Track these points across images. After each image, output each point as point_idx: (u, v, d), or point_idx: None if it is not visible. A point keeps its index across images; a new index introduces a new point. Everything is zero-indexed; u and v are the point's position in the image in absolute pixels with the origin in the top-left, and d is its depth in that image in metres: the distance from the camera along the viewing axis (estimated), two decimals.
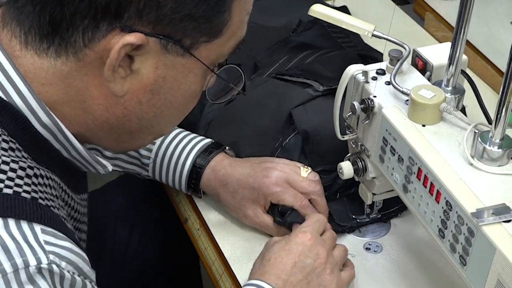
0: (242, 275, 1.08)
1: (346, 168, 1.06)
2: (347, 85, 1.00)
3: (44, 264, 0.71)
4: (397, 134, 0.92)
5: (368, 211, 1.13)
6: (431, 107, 0.90)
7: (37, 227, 0.73)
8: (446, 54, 0.95)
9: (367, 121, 0.99)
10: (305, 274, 0.96)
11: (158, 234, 1.37)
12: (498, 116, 0.83)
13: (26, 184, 0.75)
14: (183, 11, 0.76)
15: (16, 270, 0.70)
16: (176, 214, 1.24)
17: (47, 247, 0.73)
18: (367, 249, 1.11)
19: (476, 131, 0.85)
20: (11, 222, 0.72)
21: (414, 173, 0.89)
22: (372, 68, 1.00)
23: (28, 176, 0.76)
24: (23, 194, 0.74)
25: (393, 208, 1.15)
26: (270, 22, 1.44)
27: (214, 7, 0.78)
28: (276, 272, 0.95)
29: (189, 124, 1.21)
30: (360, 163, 1.05)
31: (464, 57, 0.96)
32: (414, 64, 1.03)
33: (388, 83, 0.98)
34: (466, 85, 0.99)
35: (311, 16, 1.05)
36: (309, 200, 1.10)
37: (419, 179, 0.89)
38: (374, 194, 1.08)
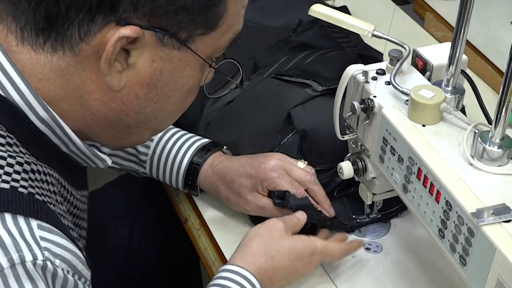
0: None
1: (346, 168, 1.06)
2: (347, 85, 1.00)
3: (40, 261, 0.72)
4: (397, 134, 0.92)
5: (368, 211, 1.13)
6: (431, 107, 0.90)
7: (33, 222, 0.73)
8: (446, 54, 0.95)
9: (367, 121, 0.99)
10: (290, 267, 1.00)
11: (158, 234, 1.37)
12: (498, 116, 0.83)
13: (23, 179, 0.75)
14: (177, 3, 0.76)
15: (13, 265, 0.70)
16: (176, 214, 1.24)
17: (42, 243, 0.73)
18: (367, 249, 1.11)
19: (476, 131, 0.85)
20: (8, 217, 0.72)
21: (414, 173, 0.89)
22: (372, 68, 1.00)
23: (25, 171, 0.76)
24: (20, 189, 0.74)
25: (393, 208, 1.15)
26: (270, 22, 1.44)
27: None
28: (268, 265, 1.00)
29: (189, 125, 1.22)
30: (360, 163, 1.05)
31: (464, 57, 0.96)
32: (414, 64, 1.03)
33: (388, 83, 0.98)
34: (466, 85, 0.99)
35: (311, 16, 1.05)
36: (307, 190, 1.10)
37: (419, 179, 0.88)
38: (374, 194, 1.08)
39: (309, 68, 1.26)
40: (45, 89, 0.79)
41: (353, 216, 1.14)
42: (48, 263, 0.72)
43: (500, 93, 0.82)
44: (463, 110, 1.02)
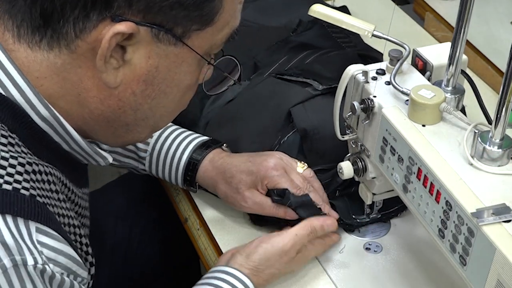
0: None
1: (346, 168, 1.06)
2: (347, 85, 1.00)
3: (40, 265, 0.72)
4: (397, 134, 0.92)
5: (368, 211, 1.13)
6: (431, 107, 0.90)
7: (33, 226, 0.74)
8: (446, 54, 0.95)
9: (367, 121, 0.99)
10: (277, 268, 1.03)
11: (158, 234, 1.37)
12: (498, 116, 0.83)
13: (25, 180, 0.76)
14: None
15: (15, 265, 0.70)
16: (176, 214, 1.24)
17: (39, 247, 0.73)
18: (367, 249, 1.11)
19: (476, 131, 0.85)
20: (9, 219, 0.72)
21: (414, 173, 0.89)
22: (372, 68, 1.00)
23: (27, 172, 0.76)
24: (22, 191, 0.74)
25: (393, 208, 1.15)
26: (270, 22, 1.44)
27: None
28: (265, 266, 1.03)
29: (189, 124, 1.22)
30: (360, 163, 1.05)
31: (464, 57, 0.96)
32: (414, 64, 1.03)
33: (388, 83, 0.98)
34: (466, 85, 0.99)
35: (311, 16, 1.05)
36: None
37: (419, 179, 0.88)
38: (374, 194, 1.08)
39: (309, 67, 1.26)
40: (43, 87, 0.79)
41: (353, 216, 1.14)
42: (47, 267, 0.73)
43: (500, 93, 0.82)
44: (463, 110, 1.02)
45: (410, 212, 0.95)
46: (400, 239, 1.13)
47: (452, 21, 1.49)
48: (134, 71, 0.80)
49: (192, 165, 1.14)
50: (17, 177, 0.75)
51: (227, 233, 1.15)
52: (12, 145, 0.77)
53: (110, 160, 0.91)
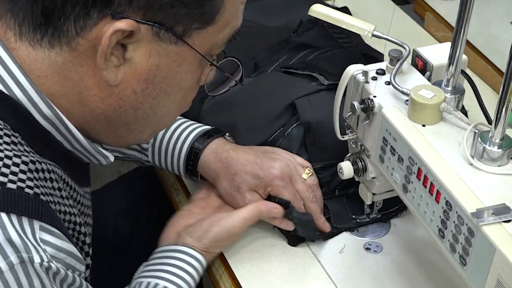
0: (242, 275, 1.08)
1: (346, 168, 1.06)
2: (347, 85, 1.00)
3: (45, 262, 0.73)
4: (397, 134, 0.92)
5: (368, 211, 1.13)
6: (431, 107, 0.90)
7: (36, 225, 0.74)
8: (446, 54, 0.95)
9: (367, 121, 0.99)
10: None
11: (158, 233, 1.37)
12: (498, 116, 0.83)
13: (29, 178, 0.76)
14: None
15: (22, 262, 0.71)
16: None
17: (43, 245, 0.74)
18: (367, 249, 1.11)
19: (476, 131, 0.85)
20: (14, 218, 0.72)
21: (414, 173, 0.89)
22: (372, 68, 1.00)
23: (30, 170, 0.77)
24: (27, 190, 0.75)
25: (393, 208, 1.15)
26: (270, 22, 1.44)
27: None
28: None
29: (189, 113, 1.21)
30: (360, 163, 1.05)
31: (464, 57, 0.96)
32: (414, 64, 1.03)
33: (388, 83, 0.98)
34: (466, 85, 0.99)
35: (311, 16, 1.05)
36: (304, 205, 1.11)
37: (419, 179, 0.88)
38: (374, 194, 1.08)
39: (314, 63, 1.26)
40: (44, 86, 0.80)
41: (353, 216, 1.14)
42: (52, 264, 0.74)
43: (500, 93, 0.82)
44: (463, 110, 1.02)
45: (410, 212, 0.95)
46: (400, 239, 1.13)
47: (452, 21, 1.49)
48: (135, 69, 0.80)
49: (194, 154, 1.13)
50: (21, 175, 0.75)
51: None
52: (15, 144, 0.77)
53: (112, 159, 0.91)
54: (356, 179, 1.08)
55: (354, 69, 1.00)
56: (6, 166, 0.74)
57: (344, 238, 1.13)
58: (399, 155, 0.92)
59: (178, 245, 1.04)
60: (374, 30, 1.00)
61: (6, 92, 0.78)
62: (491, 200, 0.81)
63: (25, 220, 0.73)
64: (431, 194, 0.87)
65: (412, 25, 1.61)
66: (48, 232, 0.75)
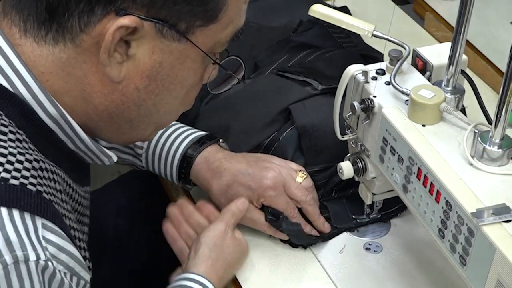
0: (242, 275, 1.08)
1: (346, 168, 1.06)
2: (347, 85, 1.00)
3: (42, 261, 0.72)
4: (397, 134, 0.92)
5: (368, 211, 1.13)
6: (431, 107, 0.90)
7: (39, 221, 0.74)
8: (446, 54, 0.95)
9: (367, 121, 0.99)
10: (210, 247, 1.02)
11: (158, 234, 1.37)
12: (498, 116, 0.83)
13: (32, 176, 0.76)
14: None
15: (16, 262, 0.70)
16: None
17: (44, 244, 0.73)
18: (367, 249, 1.11)
19: (476, 131, 0.86)
20: (16, 213, 0.72)
21: (414, 173, 0.89)
22: (372, 68, 1.00)
23: (34, 168, 0.77)
24: (29, 186, 0.75)
25: (393, 208, 1.15)
26: (271, 22, 1.44)
27: None
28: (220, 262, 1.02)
29: (189, 124, 1.21)
30: (360, 163, 1.05)
31: (464, 57, 0.96)
32: (414, 64, 1.03)
33: (388, 83, 0.98)
34: (466, 85, 0.99)
35: (311, 16, 1.05)
36: (301, 208, 1.11)
37: (419, 179, 0.89)
38: (374, 194, 1.08)
39: (312, 65, 1.26)
40: (48, 83, 0.80)
41: (353, 216, 1.14)
42: (49, 263, 0.73)
43: (500, 93, 0.82)
44: (463, 111, 1.02)
45: (410, 212, 0.95)
46: (400, 239, 1.13)
47: (452, 21, 1.49)
48: (138, 66, 0.80)
49: (186, 162, 1.13)
50: (24, 172, 0.75)
51: None
52: (20, 141, 0.77)
53: (115, 159, 0.91)
54: (356, 179, 1.08)
55: (354, 69, 1.00)
56: (9, 162, 0.74)
57: (344, 238, 1.13)
58: (399, 155, 0.92)
59: (181, 276, 1.02)
60: (374, 30, 1.00)
61: (11, 90, 0.78)
62: (491, 200, 0.81)
63: (27, 216, 0.73)
64: (431, 194, 0.87)
65: (412, 25, 1.61)
66: (50, 230, 0.75)
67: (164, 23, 0.78)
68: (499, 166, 0.85)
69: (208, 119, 1.21)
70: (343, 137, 1.05)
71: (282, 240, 1.13)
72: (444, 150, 0.88)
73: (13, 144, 0.76)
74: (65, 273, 0.76)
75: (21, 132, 0.78)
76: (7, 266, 0.70)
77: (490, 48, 1.44)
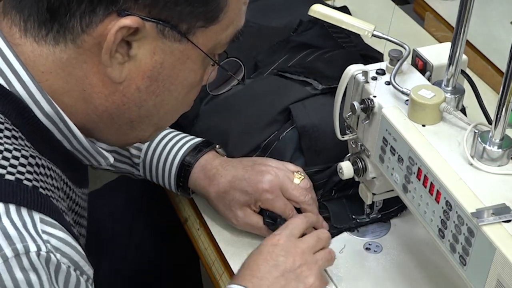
0: None
1: (346, 168, 1.06)
2: (347, 85, 1.00)
3: (43, 252, 0.72)
4: (397, 134, 0.92)
5: (368, 211, 1.13)
6: (431, 107, 0.90)
7: (36, 216, 0.74)
8: (446, 54, 0.95)
9: (367, 121, 0.99)
10: (280, 272, 0.97)
11: (158, 234, 1.37)
12: (498, 116, 0.83)
13: (28, 172, 0.76)
14: None
15: (17, 255, 0.70)
16: (176, 214, 1.24)
17: (44, 237, 0.73)
18: (367, 249, 1.11)
19: (476, 131, 0.85)
20: (12, 208, 0.72)
21: (414, 173, 0.89)
22: (372, 68, 1.00)
23: (30, 164, 0.77)
24: (25, 182, 0.75)
25: (393, 208, 1.15)
26: (271, 22, 1.44)
27: None
28: (250, 273, 0.97)
29: (189, 124, 1.21)
30: (360, 163, 1.05)
31: (464, 57, 0.96)
32: (414, 64, 1.03)
33: (388, 83, 0.98)
34: (466, 85, 0.99)
35: (311, 16, 1.05)
36: (300, 209, 1.11)
37: (419, 179, 0.88)
38: (374, 194, 1.08)
39: (312, 65, 1.26)
40: (48, 82, 0.80)
41: (353, 216, 1.14)
42: (52, 255, 0.73)
43: (500, 93, 0.82)
44: (463, 111, 1.02)
45: (410, 212, 0.95)
46: (400, 239, 1.13)
47: (452, 21, 1.49)
48: (139, 66, 0.80)
49: (184, 171, 1.13)
50: (20, 168, 0.75)
51: (227, 233, 1.15)
52: (15, 138, 0.77)
53: (111, 160, 0.91)
54: (356, 179, 1.08)
55: (354, 69, 1.00)
56: (5, 158, 0.74)
57: (344, 238, 1.13)
58: (399, 155, 0.92)
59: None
60: (374, 30, 1.00)
61: (7, 88, 0.78)
62: (491, 200, 0.81)
63: (24, 211, 0.73)
64: (431, 194, 0.87)
65: (412, 25, 1.61)
66: (50, 224, 0.74)
67: (165, 23, 0.78)
68: (499, 166, 0.85)
69: (208, 119, 1.21)
70: (343, 137, 1.05)
71: None
72: (444, 150, 0.88)
73: (8, 141, 0.76)
74: (69, 266, 0.75)
75: (16, 129, 0.78)
76: (7, 259, 0.70)
77: (490, 48, 1.44)
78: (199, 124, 1.21)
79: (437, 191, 0.85)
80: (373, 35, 1.01)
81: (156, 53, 0.80)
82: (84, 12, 0.76)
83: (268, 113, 1.18)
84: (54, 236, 0.74)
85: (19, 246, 0.70)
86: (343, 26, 1.03)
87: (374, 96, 0.97)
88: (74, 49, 0.78)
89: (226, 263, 1.10)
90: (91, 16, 0.76)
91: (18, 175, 0.74)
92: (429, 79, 1.00)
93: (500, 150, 0.84)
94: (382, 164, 0.98)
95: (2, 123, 0.77)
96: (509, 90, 0.80)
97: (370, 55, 1.31)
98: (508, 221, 0.78)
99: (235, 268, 1.09)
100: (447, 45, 0.97)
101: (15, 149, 0.76)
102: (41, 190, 0.76)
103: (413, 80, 0.98)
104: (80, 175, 0.92)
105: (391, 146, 0.94)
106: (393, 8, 1.57)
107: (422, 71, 1.01)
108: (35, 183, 0.76)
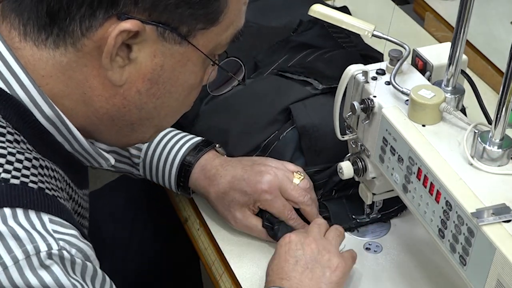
0: (242, 275, 1.08)
1: (346, 168, 1.06)
2: (347, 85, 1.00)
3: (55, 250, 0.71)
4: (397, 134, 0.92)
5: (368, 211, 1.13)
6: (431, 107, 0.90)
7: (45, 217, 0.73)
8: (446, 54, 0.95)
9: (367, 121, 0.99)
10: (304, 266, 0.97)
11: (158, 234, 1.37)
12: (498, 116, 0.83)
13: (32, 174, 0.76)
14: None
15: (28, 257, 0.70)
16: (176, 214, 1.24)
17: (56, 235, 0.73)
18: (367, 249, 1.11)
19: (476, 131, 0.85)
20: (19, 212, 0.72)
21: (414, 173, 0.89)
22: (372, 68, 1.00)
23: (34, 166, 0.77)
24: (30, 184, 0.75)
25: (393, 208, 1.15)
26: (271, 22, 1.44)
27: None
28: (278, 277, 0.97)
29: (189, 124, 1.21)
30: (360, 163, 1.05)
31: (464, 57, 0.96)
32: (414, 64, 1.03)
33: (388, 83, 0.98)
34: (466, 85, 0.99)
35: (311, 16, 1.05)
36: (300, 209, 1.11)
37: (419, 179, 0.88)
38: (374, 194, 1.08)
39: (312, 65, 1.26)
40: (48, 86, 0.80)
41: (353, 216, 1.14)
42: (64, 252, 0.72)
43: (500, 93, 0.82)
44: (463, 111, 1.02)
45: (410, 212, 0.95)
46: (400, 239, 1.13)
47: (452, 21, 1.49)
48: (140, 69, 0.80)
49: (184, 171, 1.13)
50: (24, 171, 0.75)
51: (227, 233, 1.15)
52: (17, 142, 0.77)
53: (112, 161, 0.91)
54: (356, 179, 1.08)
55: (354, 69, 1.00)
56: (9, 162, 0.74)
57: (344, 238, 1.13)
58: (399, 155, 0.92)
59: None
60: (374, 30, 1.00)
61: (8, 92, 0.78)
62: (491, 200, 0.81)
63: (32, 213, 0.72)
64: (431, 194, 0.87)
65: (412, 25, 1.61)
66: (59, 224, 0.74)
67: (165, 26, 0.78)
68: (499, 166, 0.85)
69: (208, 119, 1.21)
70: (343, 137, 1.05)
71: None
72: (444, 150, 0.88)
73: (11, 145, 0.76)
74: (84, 260, 0.75)
75: (18, 133, 0.78)
76: (18, 261, 0.69)
77: (490, 48, 1.44)
78: (199, 124, 1.21)
79: (437, 191, 0.85)
80: (373, 35, 1.01)
81: (157, 56, 0.80)
82: (84, 16, 0.76)
83: (268, 113, 1.18)
84: (66, 234, 0.74)
85: (29, 247, 0.70)
86: (343, 26, 1.03)
87: (374, 96, 0.97)
88: (74, 52, 0.78)
89: (226, 263, 1.10)
90: (91, 20, 0.76)
91: (23, 178, 0.74)
92: (429, 79, 1.00)
93: (500, 150, 0.84)
94: (382, 164, 0.98)
95: (4, 127, 0.77)
96: (509, 90, 0.80)
97: (370, 55, 1.31)
98: (508, 221, 0.78)
99: (235, 268, 1.09)
100: (447, 45, 0.97)
101: (18, 152, 0.76)
102: (47, 191, 0.76)
103: (413, 80, 0.98)
104: (81, 176, 0.92)
105: (391, 146, 0.94)
106: (393, 8, 1.57)
107: (422, 71, 1.01)
108: (40, 184, 0.76)
